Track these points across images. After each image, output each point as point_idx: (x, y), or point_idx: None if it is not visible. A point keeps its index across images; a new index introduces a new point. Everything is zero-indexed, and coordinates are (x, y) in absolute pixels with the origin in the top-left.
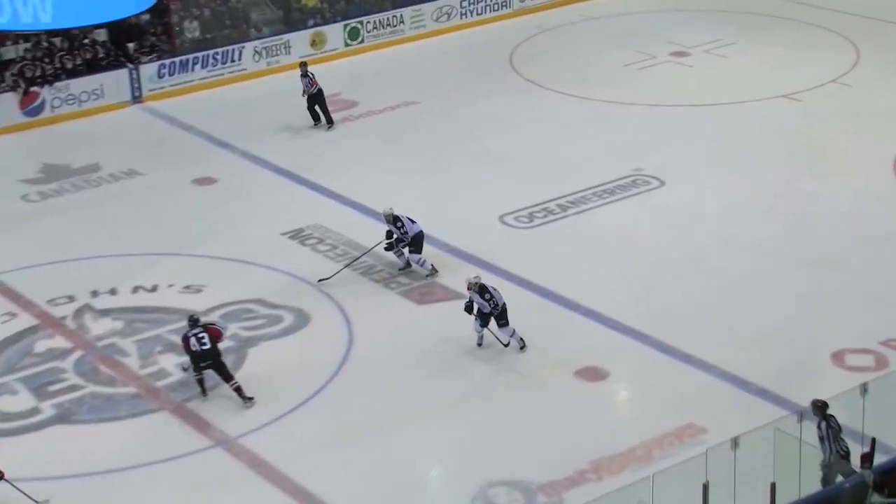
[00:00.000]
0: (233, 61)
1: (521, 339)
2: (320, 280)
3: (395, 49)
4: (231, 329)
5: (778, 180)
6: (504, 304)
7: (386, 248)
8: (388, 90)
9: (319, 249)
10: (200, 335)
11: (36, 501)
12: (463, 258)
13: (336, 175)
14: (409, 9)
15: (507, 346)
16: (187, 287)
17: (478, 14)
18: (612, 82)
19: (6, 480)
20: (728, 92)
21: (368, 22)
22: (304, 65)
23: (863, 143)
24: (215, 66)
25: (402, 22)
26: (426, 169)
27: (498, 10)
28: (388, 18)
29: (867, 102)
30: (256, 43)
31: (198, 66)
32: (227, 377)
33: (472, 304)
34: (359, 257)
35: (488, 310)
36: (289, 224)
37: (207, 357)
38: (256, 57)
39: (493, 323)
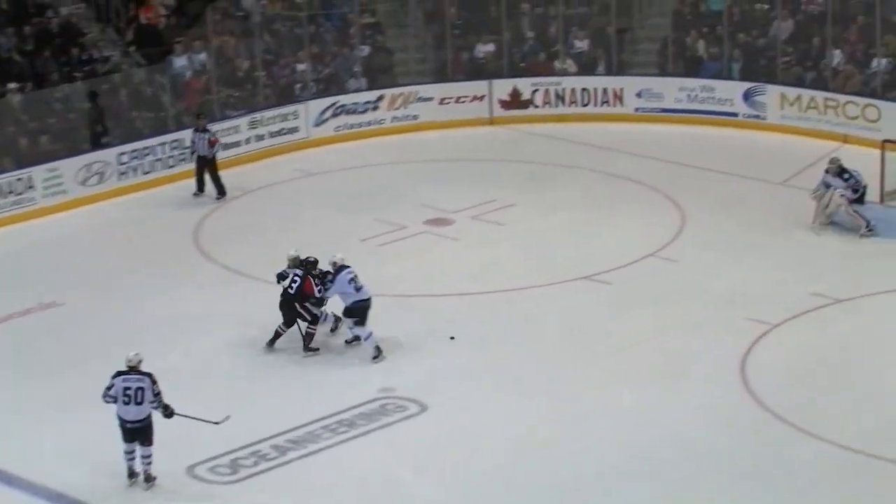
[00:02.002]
0: None
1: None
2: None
3: (21, 227)
4: None
5: (584, 397)
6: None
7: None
8: (12, 289)
9: None
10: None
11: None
12: None
13: None
14: (43, 167)
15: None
16: None
17: (144, 172)
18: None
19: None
20: (507, 274)
21: None
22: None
23: (701, 342)
24: None
25: (31, 187)
26: (77, 404)
27: (173, 166)
28: (9, 183)
29: (700, 284)
30: None
31: None
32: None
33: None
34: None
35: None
36: None
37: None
38: None
39: None
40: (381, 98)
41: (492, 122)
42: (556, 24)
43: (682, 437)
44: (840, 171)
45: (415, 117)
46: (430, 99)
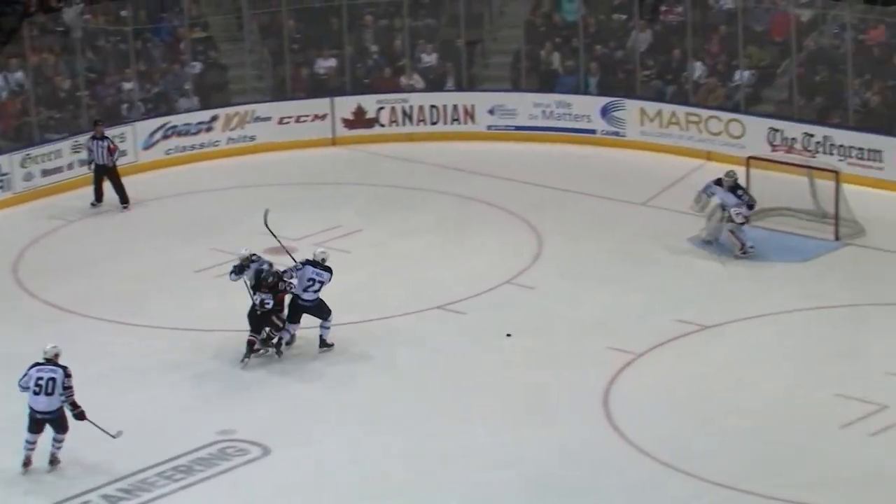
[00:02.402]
0: None
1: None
2: None
3: None
4: None
5: (440, 435)
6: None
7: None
8: None
9: None
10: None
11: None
12: None
13: None
14: None
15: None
16: None
17: None
18: (180, 296)
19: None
20: (356, 304)
21: None
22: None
23: (561, 374)
24: None
25: None
26: None
27: None
28: None
29: (560, 313)
30: None
31: None
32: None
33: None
34: None
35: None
36: None
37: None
38: None
39: None
40: (215, 118)
41: (335, 142)
42: (401, 37)
43: (543, 477)
44: (735, 187)
45: (252, 138)
46: (267, 119)
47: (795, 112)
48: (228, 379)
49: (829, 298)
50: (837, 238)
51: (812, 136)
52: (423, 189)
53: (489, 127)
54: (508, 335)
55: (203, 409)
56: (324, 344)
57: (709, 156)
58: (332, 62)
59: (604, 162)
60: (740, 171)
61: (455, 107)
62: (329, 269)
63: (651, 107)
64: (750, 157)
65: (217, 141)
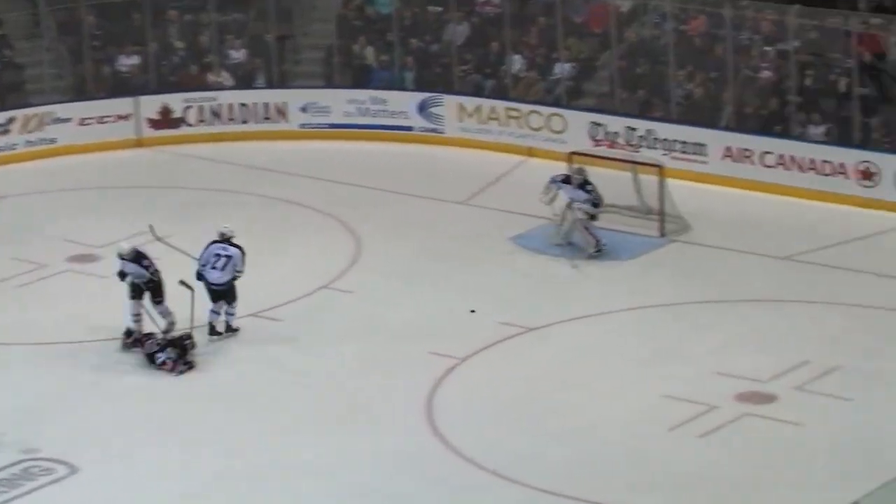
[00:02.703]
0: None
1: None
2: None
3: None
4: None
5: (259, 450)
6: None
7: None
8: None
9: None
10: None
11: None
12: None
13: None
14: None
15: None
16: None
17: None
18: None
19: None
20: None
21: None
22: None
23: (382, 381)
24: None
25: None
26: None
27: None
28: None
29: (380, 317)
30: None
31: None
32: None
33: None
34: None
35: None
36: None
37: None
38: None
39: None
40: (11, 120)
41: (140, 143)
42: (208, 33)
43: (365, 486)
44: (584, 183)
45: (52, 141)
46: (68, 120)
47: (617, 105)
48: (31, 395)
49: (655, 297)
50: (663, 234)
51: (635, 129)
52: (233, 191)
53: (302, 125)
54: (472, 311)
55: (3, 427)
56: (229, 329)
57: (530, 151)
58: (135, 59)
59: (422, 160)
60: (561, 167)
61: (266, 105)
62: (237, 246)
63: (469, 102)
64: (572, 153)
65: (14, 144)
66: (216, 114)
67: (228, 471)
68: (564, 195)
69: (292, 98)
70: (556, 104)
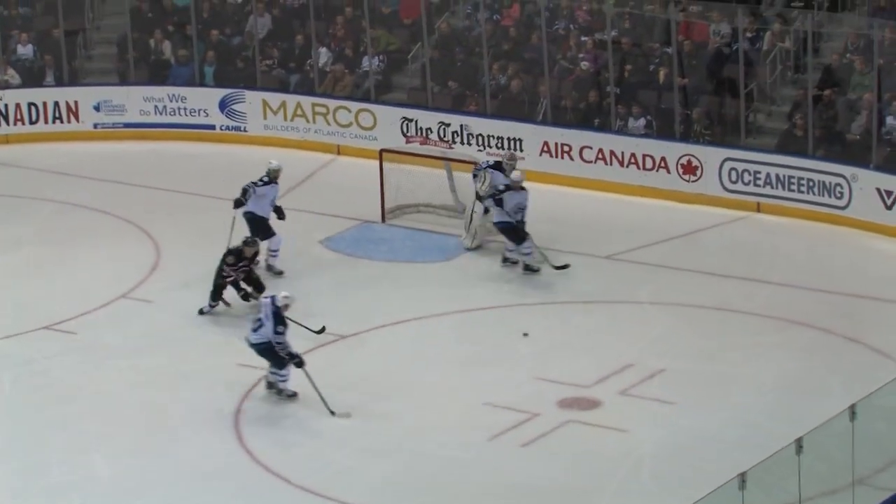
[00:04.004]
0: None
1: None
2: None
3: None
4: None
5: (55, 468)
6: None
7: None
8: None
9: None
10: None
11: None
12: None
13: None
14: None
15: None
16: None
17: None
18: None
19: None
20: None
21: None
22: None
23: (187, 394)
24: None
25: None
26: None
27: None
28: None
29: (183, 328)
30: None
31: None
32: None
33: None
34: None
35: None
36: None
37: None
38: None
39: None
40: None
41: None
42: None
43: None
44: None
45: None
46: None
47: (430, 100)
48: None
49: (473, 300)
50: None
51: (448, 124)
52: (22, 197)
53: (96, 125)
54: (525, 334)
55: None
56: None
57: (339, 149)
58: None
59: (225, 160)
60: (372, 166)
61: (56, 104)
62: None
63: (274, 98)
64: (382, 150)
65: None
66: (2, 114)
67: (21, 493)
68: (488, 183)
69: (84, 96)
70: (365, 99)
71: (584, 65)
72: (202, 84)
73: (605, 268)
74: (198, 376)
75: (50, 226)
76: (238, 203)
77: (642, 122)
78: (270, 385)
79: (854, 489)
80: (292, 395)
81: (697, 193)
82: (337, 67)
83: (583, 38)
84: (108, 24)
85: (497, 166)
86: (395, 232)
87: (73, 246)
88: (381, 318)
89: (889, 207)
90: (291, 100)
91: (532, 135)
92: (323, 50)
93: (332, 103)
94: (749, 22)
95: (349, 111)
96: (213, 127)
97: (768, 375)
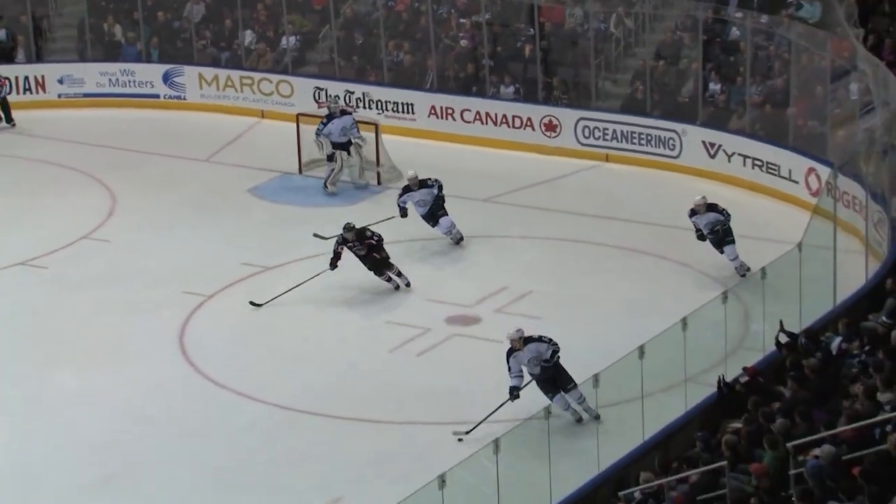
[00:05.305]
0: None
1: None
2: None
3: None
4: None
5: (29, 380)
6: None
7: None
8: None
9: None
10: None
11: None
12: None
13: None
14: None
15: None
16: None
17: None
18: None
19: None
20: None
21: None
22: None
23: (139, 320)
24: None
25: None
26: None
27: None
28: None
29: (135, 264)
30: None
31: None
32: None
33: None
34: None
35: None
36: None
37: None
38: None
39: None
40: None
41: None
42: None
43: (125, 410)
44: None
45: None
46: None
47: (337, 72)
48: None
49: None
50: (379, 183)
51: (353, 92)
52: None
53: (59, 95)
54: (460, 440)
55: None
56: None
57: (262, 114)
58: None
59: (168, 124)
60: (291, 128)
61: (26, 78)
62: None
63: (208, 72)
64: (299, 114)
65: None
66: None
67: (6, 398)
68: (336, 129)
69: (49, 71)
70: (284, 72)
71: (464, 42)
72: (148, 61)
73: (484, 209)
74: (147, 303)
75: (22, 178)
76: (403, 213)
77: (511, 89)
78: None
79: (686, 386)
80: None
81: (557, 147)
82: (260, 46)
83: (461, 20)
84: (69, 11)
85: (329, 117)
86: (309, 182)
87: (42, 196)
88: (299, 253)
89: (712, 156)
90: (223, 73)
91: (421, 101)
92: (248, 32)
93: (257, 76)
94: (599, 6)
95: (271, 82)
96: (157, 96)
97: (616, 294)
